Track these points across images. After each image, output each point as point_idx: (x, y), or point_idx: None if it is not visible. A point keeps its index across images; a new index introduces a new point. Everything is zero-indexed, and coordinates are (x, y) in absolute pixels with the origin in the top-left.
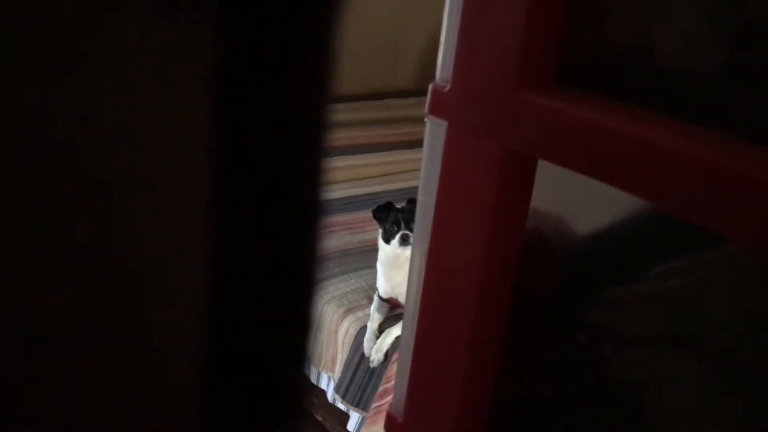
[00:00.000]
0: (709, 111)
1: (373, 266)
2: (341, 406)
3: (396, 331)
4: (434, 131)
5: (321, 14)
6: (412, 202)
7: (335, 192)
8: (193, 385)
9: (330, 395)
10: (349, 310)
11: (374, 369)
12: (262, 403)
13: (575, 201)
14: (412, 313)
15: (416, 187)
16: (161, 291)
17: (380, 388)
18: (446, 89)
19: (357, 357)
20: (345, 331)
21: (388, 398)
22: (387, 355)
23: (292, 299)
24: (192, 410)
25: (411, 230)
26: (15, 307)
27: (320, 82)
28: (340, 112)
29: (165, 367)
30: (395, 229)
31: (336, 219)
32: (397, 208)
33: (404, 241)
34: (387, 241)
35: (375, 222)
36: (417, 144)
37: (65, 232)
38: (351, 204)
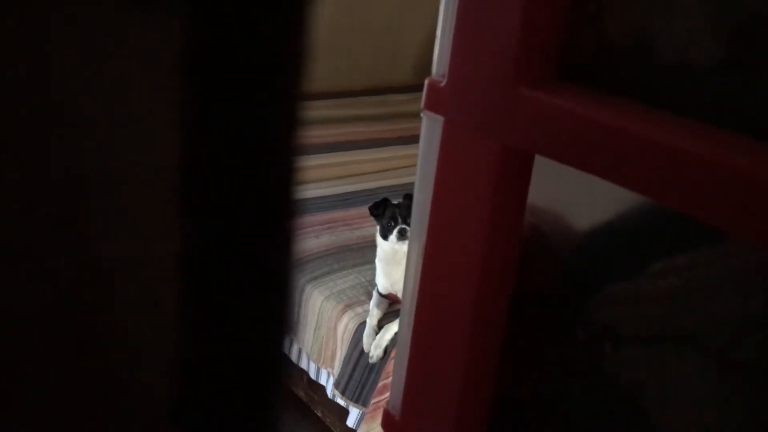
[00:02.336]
0: (710, 107)
1: (372, 262)
2: (341, 401)
3: (395, 327)
4: (430, 127)
5: (293, 6)
6: (408, 197)
7: (333, 188)
8: (169, 384)
9: (329, 391)
10: (349, 306)
11: (373, 365)
12: (239, 402)
13: (574, 198)
14: (409, 310)
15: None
16: (134, 289)
17: (379, 384)
18: (443, 84)
19: (356, 353)
20: (344, 327)
21: (388, 394)
22: (386, 351)
23: (268, 296)
24: (167, 410)
25: (408, 225)
26: None
27: (293, 75)
28: (338, 108)
29: (139, 367)
30: (392, 224)
31: (334, 215)
32: (394, 204)
33: (402, 235)
34: (385, 237)
35: (373, 218)
36: (415, 140)
37: (34, 232)
38: (349, 200)
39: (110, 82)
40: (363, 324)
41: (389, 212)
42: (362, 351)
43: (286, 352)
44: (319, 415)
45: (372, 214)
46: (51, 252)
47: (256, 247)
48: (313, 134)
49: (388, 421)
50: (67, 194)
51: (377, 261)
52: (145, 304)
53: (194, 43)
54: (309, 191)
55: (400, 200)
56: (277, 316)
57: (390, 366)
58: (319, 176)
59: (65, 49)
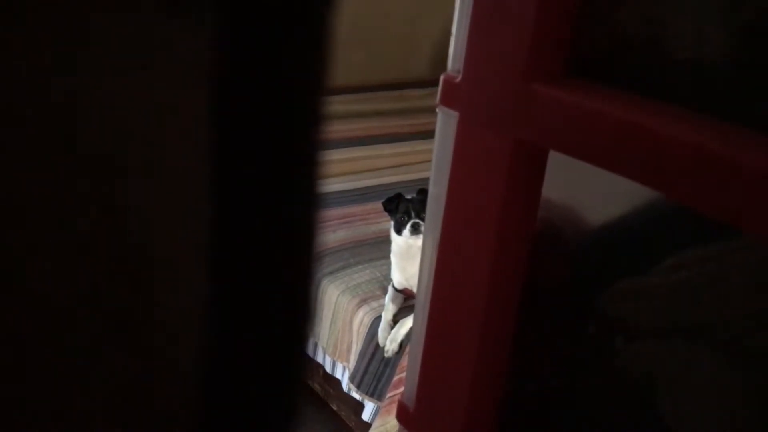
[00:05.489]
0: (721, 102)
1: (388, 257)
2: (356, 395)
3: (410, 321)
4: (445, 122)
5: (316, 8)
6: (422, 192)
7: (350, 183)
8: (199, 369)
9: (345, 385)
10: (364, 301)
11: (389, 359)
12: (264, 385)
13: (586, 192)
14: (423, 304)
15: None
16: (166, 278)
17: (395, 378)
18: (458, 80)
19: (372, 347)
20: (360, 322)
21: (403, 388)
22: (401, 346)
23: (293, 285)
24: (197, 394)
25: (422, 219)
26: (20, 295)
27: (316, 74)
28: (356, 103)
29: (171, 353)
30: (406, 219)
31: (351, 210)
32: (407, 199)
33: (415, 229)
34: (398, 231)
35: (387, 213)
36: (432, 135)
37: (70, 220)
38: (366, 195)
39: (144, 79)
40: (378, 318)
41: (403, 207)
42: (378, 345)
43: None
44: (335, 408)
45: (385, 209)
46: (85, 241)
47: (281, 237)
48: (330, 129)
49: (402, 413)
50: (102, 186)
51: (392, 256)
52: (177, 292)
53: (222, 43)
54: (326, 186)
55: (414, 195)
56: (301, 301)
57: (405, 360)
58: (336, 171)
59: (101, 49)
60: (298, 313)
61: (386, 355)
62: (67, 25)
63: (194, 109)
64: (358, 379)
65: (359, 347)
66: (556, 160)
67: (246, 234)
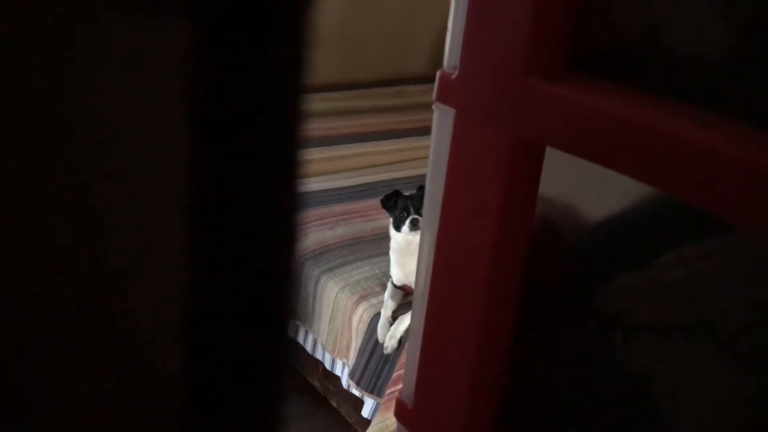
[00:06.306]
0: (720, 98)
1: (387, 253)
2: (356, 392)
3: (409, 318)
4: (442, 119)
5: (294, 8)
6: (421, 188)
7: (349, 180)
8: (179, 377)
9: (344, 381)
10: (363, 297)
11: (388, 356)
12: (245, 395)
13: (585, 188)
14: (421, 301)
15: None
16: (143, 286)
17: (394, 375)
18: (454, 76)
19: (371, 344)
20: (359, 318)
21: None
22: (401, 342)
23: (271, 288)
24: (178, 400)
25: (420, 215)
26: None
27: (295, 74)
28: (354, 99)
29: (149, 361)
30: (404, 215)
31: (350, 206)
32: (405, 196)
33: (414, 225)
34: (397, 228)
35: (386, 210)
36: (430, 131)
37: (45, 230)
38: (364, 191)
39: (119, 84)
40: (378, 315)
41: (401, 203)
42: (377, 342)
43: (301, 342)
44: (335, 405)
45: (384, 206)
46: (61, 251)
47: (260, 240)
48: (328, 126)
49: (400, 410)
50: (77, 194)
51: (391, 253)
52: (155, 300)
53: (199, 47)
54: (324, 183)
55: (413, 192)
56: (280, 307)
57: (404, 357)
58: (335, 168)
59: (75, 54)
60: (282, 306)
61: (386, 351)
62: (53, 34)
63: (171, 113)
64: (357, 376)
65: (359, 344)
66: (554, 156)
67: (225, 232)
